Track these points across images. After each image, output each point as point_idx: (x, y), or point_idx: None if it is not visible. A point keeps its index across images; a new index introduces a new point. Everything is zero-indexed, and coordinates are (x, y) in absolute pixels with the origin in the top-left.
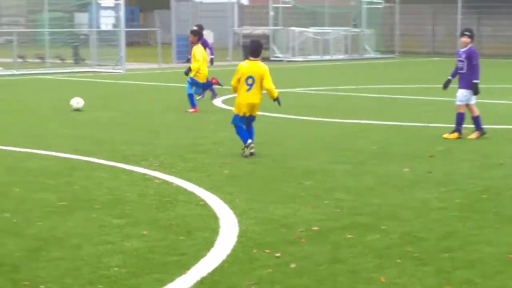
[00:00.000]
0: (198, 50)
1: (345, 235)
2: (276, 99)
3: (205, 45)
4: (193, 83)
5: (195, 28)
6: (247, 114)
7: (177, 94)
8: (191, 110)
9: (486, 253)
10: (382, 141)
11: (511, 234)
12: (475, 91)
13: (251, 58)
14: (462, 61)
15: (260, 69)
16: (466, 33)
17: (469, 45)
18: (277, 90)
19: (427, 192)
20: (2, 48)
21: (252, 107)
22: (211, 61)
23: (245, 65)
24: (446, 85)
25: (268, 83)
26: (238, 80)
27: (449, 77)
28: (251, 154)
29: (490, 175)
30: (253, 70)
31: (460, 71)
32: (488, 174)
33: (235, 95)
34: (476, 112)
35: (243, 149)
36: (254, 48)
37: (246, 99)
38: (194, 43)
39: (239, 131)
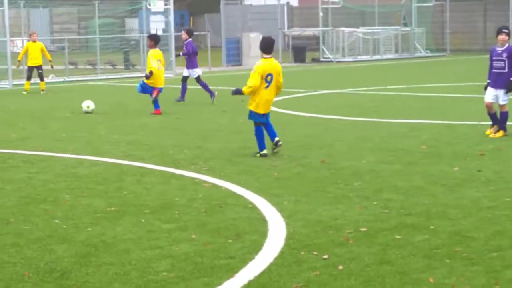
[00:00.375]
0: (151, 55)
1: (394, 236)
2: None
3: (191, 47)
4: (143, 86)
5: (153, 32)
6: (266, 111)
7: (227, 98)
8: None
9: None
10: (431, 140)
11: None
12: (510, 88)
13: (266, 56)
14: (502, 60)
15: (277, 66)
16: (505, 30)
17: (507, 44)
18: (328, 91)
19: (477, 191)
20: (54, 55)
21: (269, 104)
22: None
23: (264, 63)
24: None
25: (281, 79)
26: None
27: (488, 81)
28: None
29: None
30: (271, 67)
31: (500, 70)
32: None
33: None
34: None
35: (257, 155)
36: (268, 45)
37: (265, 96)
38: (150, 47)
39: (259, 134)
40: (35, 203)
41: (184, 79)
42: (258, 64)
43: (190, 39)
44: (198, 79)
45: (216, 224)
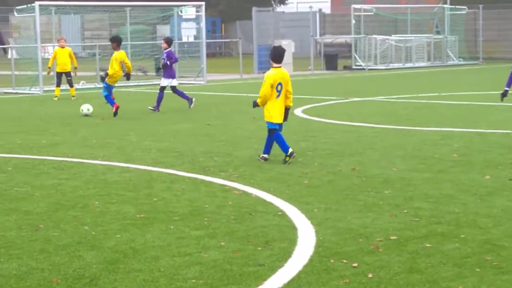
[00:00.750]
0: (115, 57)
1: (424, 244)
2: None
3: (173, 56)
4: (107, 86)
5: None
6: (280, 121)
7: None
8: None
9: None
10: (463, 148)
11: None
12: None
13: (276, 65)
14: None
15: (286, 75)
16: None
17: None
18: (360, 99)
19: (508, 199)
20: (85, 61)
21: (282, 113)
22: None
23: (274, 73)
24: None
25: (291, 88)
26: (271, 88)
27: (506, 88)
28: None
29: None
30: (281, 77)
31: None
32: None
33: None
34: None
35: (286, 158)
36: (279, 55)
37: (278, 105)
38: (114, 49)
39: (279, 139)
40: (65, 210)
41: (162, 88)
42: (268, 74)
43: (170, 48)
44: (174, 88)
45: (245, 232)
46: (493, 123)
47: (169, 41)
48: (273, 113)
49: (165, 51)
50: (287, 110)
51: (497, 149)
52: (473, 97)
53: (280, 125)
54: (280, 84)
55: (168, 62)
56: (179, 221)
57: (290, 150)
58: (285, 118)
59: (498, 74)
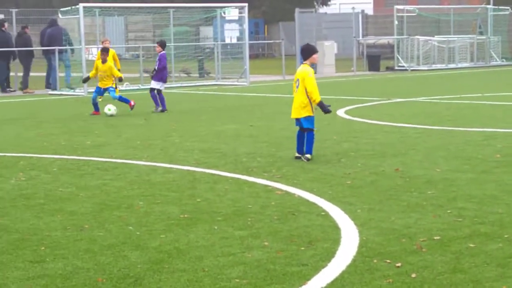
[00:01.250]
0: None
1: (467, 244)
2: (319, 104)
3: (165, 61)
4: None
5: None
6: (295, 116)
7: None
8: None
9: None
10: (507, 149)
11: None
12: None
13: (304, 62)
14: None
15: (302, 71)
16: None
17: None
18: (402, 100)
19: None
20: (129, 63)
21: (295, 108)
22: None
23: (298, 69)
24: None
25: (309, 85)
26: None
27: None
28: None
29: None
30: (299, 73)
31: None
32: None
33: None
34: None
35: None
36: (302, 52)
37: (294, 100)
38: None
39: (307, 139)
40: (109, 210)
41: (159, 91)
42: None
43: (164, 51)
44: (158, 91)
45: (289, 232)
46: None
47: (163, 44)
48: (292, 107)
49: (160, 54)
50: (319, 105)
51: None
52: None
53: (299, 122)
54: (297, 80)
55: (156, 67)
56: (223, 221)
57: (297, 155)
58: (323, 110)
59: None
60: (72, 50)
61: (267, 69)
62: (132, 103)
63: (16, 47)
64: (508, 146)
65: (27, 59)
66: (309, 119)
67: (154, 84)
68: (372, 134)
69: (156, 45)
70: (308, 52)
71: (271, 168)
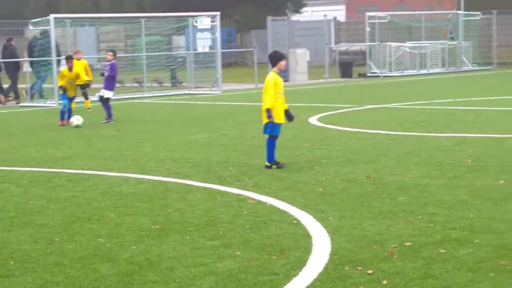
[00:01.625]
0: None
1: (438, 250)
2: (267, 111)
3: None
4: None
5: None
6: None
7: None
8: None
9: None
10: (477, 154)
11: None
12: None
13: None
14: None
15: (266, 78)
16: None
17: None
18: (375, 106)
19: None
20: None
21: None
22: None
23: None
24: None
25: (263, 93)
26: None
27: None
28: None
29: None
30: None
31: None
32: None
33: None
34: None
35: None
36: (270, 59)
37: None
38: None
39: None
40: (80, 222)
41: (107, 100)
42: None
43: (114, 60)
44: (107, 100)
45: (261, 241)
46: (508, 128)
47: (115, 53)
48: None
49: (109, 62)
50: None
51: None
52: (487, 102)
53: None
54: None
55: (106, 75)
56: (194, 232)
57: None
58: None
59: (510, 79)
60: (59, 61)
61: (239, 78)
62: (65, 122)
63: (2, 59)
64: (479, 151)
65: (13, 70)
66: (266, 125)
67: (107, 93)
68: (344, 141)
69: (110, 53)
70: (275, 59)
71: (244, 177)
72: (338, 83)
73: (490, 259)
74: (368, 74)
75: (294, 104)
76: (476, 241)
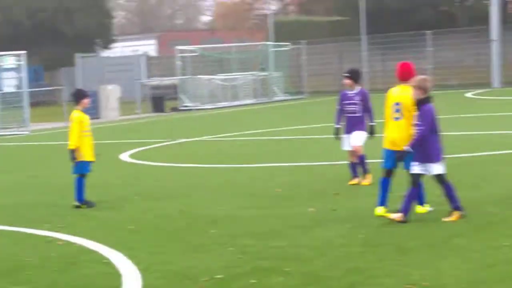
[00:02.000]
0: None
1: (249, 281)
2: (71, 153)
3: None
4: None
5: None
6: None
7: None
8: None
9: (385, 285)
10: (288, 182)
11: (408, 265)
12: (372, 133)
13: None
14: (355, 103)
15: (71, 116)
16: (347, 74)
17: (357, 87)
18: (187, 140)
19: (331, 230)
20: None
21: None
22: None
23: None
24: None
25: (69, 132)
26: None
27: (336, 126)
28: None
29: (393, 208)
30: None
31: (353, 115)
32: (391, 207)
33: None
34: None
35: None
36: (73, 97)
37: None
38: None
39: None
40: None
41: None
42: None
43: None
44: None
45: (69, 283)
46: (317, 155)
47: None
48: None
49: None
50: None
51: (321, 181)
52: (297, 131)
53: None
54: None
55: None
56: (1, 278)
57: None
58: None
59: (320, 107)
60: None
61: (48, 116)
62: None
63: None
64: (290, 179)
65: None
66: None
67: None
68: (157, 176)
69: None
70: (78, 97)
71: (53, 218)
72: (151, 118)
73: (299, 286)
74: (181, 108)
75: (105, 142)
76: (287, 269)
